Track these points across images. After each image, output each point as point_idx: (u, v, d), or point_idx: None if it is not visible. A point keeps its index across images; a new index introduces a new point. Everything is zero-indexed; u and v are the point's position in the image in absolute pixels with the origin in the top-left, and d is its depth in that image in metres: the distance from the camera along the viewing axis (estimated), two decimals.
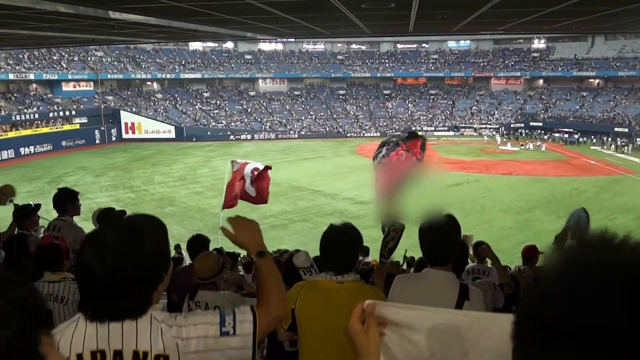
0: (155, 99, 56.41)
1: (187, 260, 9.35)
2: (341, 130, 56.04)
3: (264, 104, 60.72)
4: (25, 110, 44.00)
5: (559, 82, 60.42)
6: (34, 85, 49.15)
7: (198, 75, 59.36)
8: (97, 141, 47.16)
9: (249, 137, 52.53)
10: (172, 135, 50.07)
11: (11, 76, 45.17)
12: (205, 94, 60.08)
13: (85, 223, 5.27)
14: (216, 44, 62.52)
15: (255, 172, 10.99)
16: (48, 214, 5.06)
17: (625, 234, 0.62)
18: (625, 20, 6.62)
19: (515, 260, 11.81)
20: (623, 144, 44.22)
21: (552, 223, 21.44)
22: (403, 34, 9.38)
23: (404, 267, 6.54)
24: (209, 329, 1.50)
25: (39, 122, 43.72)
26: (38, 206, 4.91)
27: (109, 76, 53.47)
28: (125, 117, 50.08)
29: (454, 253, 2.50)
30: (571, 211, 4.80)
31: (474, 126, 56.39)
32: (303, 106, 61.19)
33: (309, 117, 59.19)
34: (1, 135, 39.76)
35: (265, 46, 65.56)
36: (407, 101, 63.04)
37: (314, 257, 3.88)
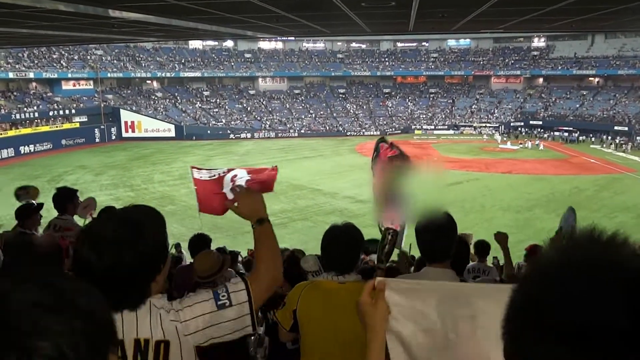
0: (155, 98, 56.38)
1: (187, 259, 9.37)
2: (341, 129, 56.02)
3: (264, 102, 60.69)
4: (25, 109, 43.96)
5: (559, 81, 60.39)
6: (34, 84, 49.12)
7: (198, 74, 59.32)
8: (97, 140, 47.13)
9: (248, 135, 52.51)
10: (172, 134, 50.04)
11: (11, 75, 45.12)
12: (205, 93, 60.06)
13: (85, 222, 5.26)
14: (216, 43, 62.46)
15: (236, 180, 10.19)
16: (48, 212, 5.05)
17: (614, 232, 0.62)
18: (626, 18, 6.61)
19: (515, 259, 11.82)
20: (622, 142, 44.21)
21: (551, 221, 21.45)
22: (403, 32, 9.37)
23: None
24: (205, 306, 1.52)
25: (39, 120, 43.69)
26: (40, 205, 4.90)
27: (109, 75, 53.43)
28: (125, 115, 50.04)
29: (451, 250, 2.50)
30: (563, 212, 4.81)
31: (474, 125, 56.38)
32: (303, 105, 61.17)
33: (309, 115, 59.18)
34: (1, 134, 39.71)
35: (265, 45, 65.51)
36: (407, 100, 63.02)
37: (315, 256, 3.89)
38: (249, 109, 58.90)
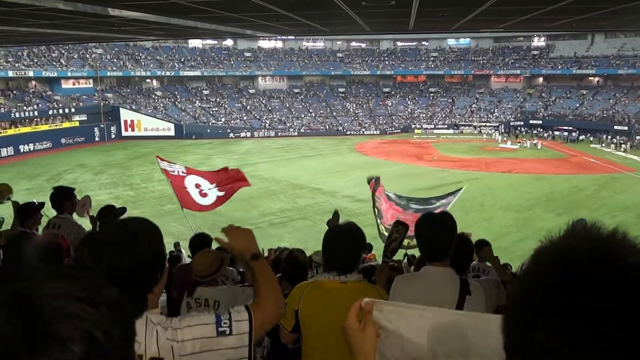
0: (155, 97, 56.36)
1: (186, 258, 9.38)
2: (341, 128, 56.01)
3: (264, 101, 60.68)
4: (25, 107, 43.93)
5: (559, 80, 60.40)
6: (33, 83, 49.08)
7: (197, 73, 59.30)
8: (97, 139, 47.11)
9: (248, 134, 52.49)
10: (172, 132, 50.02)
11: (10, 73, 45.07)
12: (205, 92, 60.04)
13: (85, 221, 5.26)
14: (216, 42, 62.43)
15: (202, 189, 10.00)
16: (48, 211, 5.05)
17: (614, 227, 0.63)
18: (626, 18, 6.61)
19: (515, 258, 11.83)
20: (622, 141, 44.23)
21: (551, 221, 21.46)
22: (403, 31, 9.37)
23: (405, 262, 6.54)
24: (205, 329, 1.50)
25: (39, 119, 43.66)
26: (42, 204, 4.89)
27: (109, 73, 53.40)
28: (125, 114, 50.02)
29: (451, 249, 2.50)
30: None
31: (474, 124, 56.38)
32: (303, 104, 61.16)
33: (309, 114, 59.17)
34: (0, 133, 39.69)
35: (265, 44, 65.48)
36: (407, 99, 63.01)
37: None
38: (248, 108, 58.89)
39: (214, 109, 57.06)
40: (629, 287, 0.55)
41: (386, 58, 66.28)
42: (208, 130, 51.62)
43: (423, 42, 66.62)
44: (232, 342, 1.51)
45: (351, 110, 60.73)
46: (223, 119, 55.50)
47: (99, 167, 35.11)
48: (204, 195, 9.81)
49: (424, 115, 59.61)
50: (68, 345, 0.59)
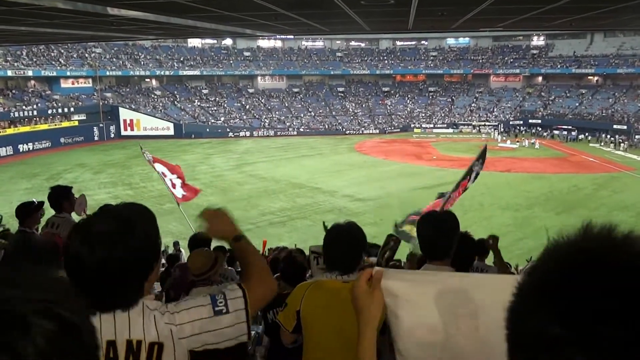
0: (154, 96, 56.33)
1: (185, 258, 9.39)
2: (340, 128, 56.01)
3: (263, 101, 60.66)
4: (24, 107, 43.89)
5: (558, 80, 60.42)
6: (33, 82, 49.05)
7: (197, 72, 59.27)
8: (96, 138, 47.09)
9: (247, 134, 52.48)
10: (171, 132, 50.00)
11: (9, 73, 45.03)
12: (204, 91, 60.01)
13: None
14: (215, 41, 62.40)
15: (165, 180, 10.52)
16: (47, 211, 5.06)
17: (629, 230, 0.63)
18: (625, 17, 6.61)
19: (514, 258, 11.84)
20: (621, 141, 44.27)
21: (550, 220, 21.48)
22: (402, 30, 9.37)
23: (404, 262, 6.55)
24: (202, 311, 1.51)
25: (38, 119, 43.61)
26: (41, 204, 4.89)
27: (108, 73, 53.36)
28: (124, 114, 50.00)
29: (452, 249, 2.50)
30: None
31: (473, 123, 56.39)
32: (302, 103, 61.14)
33: (308, 114, 59.16)
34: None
35: (264, 43, 65.46)
36: (406, 98, 63.01)
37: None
38: (247, 107, 58.86)
39: (213, 109, 57.03)
40: (635, 287, 0.55)
41: (385, 57, 66.28)
42: (207, 130, 51.60)
43: (422, 42, 66.62)
44: (230, 320, 1.52)
45: (350, 109, 60.73)
46: (222, 119, 55.47)
47: (98, 167, 35.09)
48: (174, 185, 10.28)
49: (423, 115, 59.61)
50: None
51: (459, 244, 2.52)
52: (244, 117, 56.86)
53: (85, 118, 47.72)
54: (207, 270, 3.57)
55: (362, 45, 68.08)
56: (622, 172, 32.71)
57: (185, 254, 10.68)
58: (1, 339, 0.55)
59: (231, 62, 62.31)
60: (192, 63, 59.89)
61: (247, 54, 63.97)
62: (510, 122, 55.18)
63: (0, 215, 6.54)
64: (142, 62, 56.92)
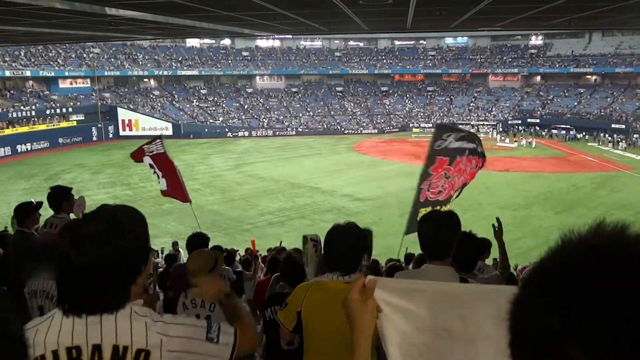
0: (153, 96, 56.27)
1: (184, 258, 9.38)
2: (339, 127, 56.00)
3: (262, 100, 60.63)
4: (22, 107, 43.82)
5: (556, 79, 60.50)
6: (31, 82, 48.95)
7: (195, 72, 59.21)
8: (94, 138, 47.03)
9: (246, 134, 52.45)
10: (169, 132, 49.89)
11: (7, 73, 44.96)
12: (203, 91, 59.95)
13: None
14: (213, 41, 62.33)
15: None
16: (45, 211, 5.04)
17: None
18: (624, 16, 6.62)
19: (513, 257, 11.82)
20: (619, 140, 44.33)
21: (549, 219, 21.52)
22: (401, 30, 9.37)
23: (402, 261, 6.55)
24: (196, 331, 1.52)
25: (36, 119, 43.55)
26: (40, 204, 4.88)
27: (106, 73, 53.29)
28: (122, 114, 49.95)
29: (453, 249, 2.49)
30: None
31: (472, 123, 56.35)
32: (300, 103, 61.12)
33: (307, 114, 59.15)
34: None
35: (263, 43, 65.41)
36: (405, 98, 63.03)
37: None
38: (246, 107, 58.82)
39: (211, 109, 56.99)
40: None
41: (384, 57, 66.29)
42: (206, 130, 51.57)
43: (421, 41, 66.63)
44: (216, 350, 1.54)
45: (349, 109, 60.72)
46: (221, 118, 55.43)
47: (96, 167, 35.05)
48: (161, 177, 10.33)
49: (421, 114, 59.63)
50: None
51: (462, 243, 2.50)
52: (243, 117, 56.83)
53: (83, 118, 47.65)
54: (208, 271, 3.57)
55: (361, 44, 68.08)
56: (621, 171, 32.76)
57: (183, 253, 10.67)
58: None
59: (229, 62, 62.26)
60: (190, 63, 59.83)
61: (245, 53, 63.93)
62: (509, 122, 55.22)
63: None
64: (140, 62, 56.85)
